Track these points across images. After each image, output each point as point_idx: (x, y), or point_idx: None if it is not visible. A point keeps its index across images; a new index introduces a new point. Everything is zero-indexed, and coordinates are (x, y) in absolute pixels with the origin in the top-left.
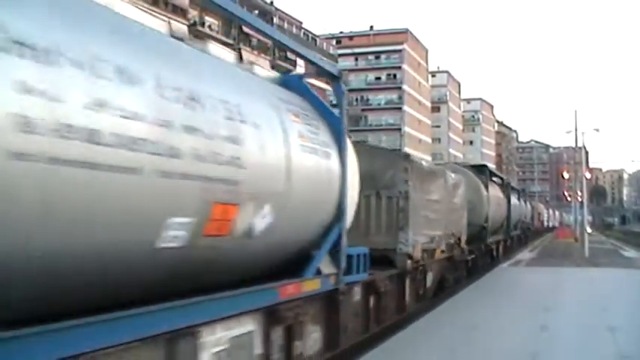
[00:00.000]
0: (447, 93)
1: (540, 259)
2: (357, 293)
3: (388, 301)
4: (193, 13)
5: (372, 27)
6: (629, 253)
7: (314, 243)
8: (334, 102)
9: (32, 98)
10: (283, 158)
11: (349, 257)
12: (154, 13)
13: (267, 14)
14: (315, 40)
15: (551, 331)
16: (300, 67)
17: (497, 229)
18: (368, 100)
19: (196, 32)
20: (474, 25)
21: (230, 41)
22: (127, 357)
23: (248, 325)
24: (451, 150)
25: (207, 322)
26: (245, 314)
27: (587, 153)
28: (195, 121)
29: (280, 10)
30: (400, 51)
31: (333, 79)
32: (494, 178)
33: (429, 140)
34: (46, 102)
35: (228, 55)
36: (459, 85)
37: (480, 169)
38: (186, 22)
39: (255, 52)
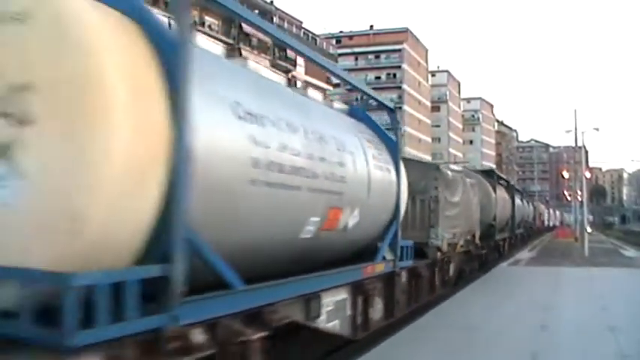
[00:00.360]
0: (447, 92)
1: (540, 258)
2: (404, 276)
3: (424, 284)
4: (193, 13)
5: (371, 26)
6: (629, 252)
7: (379, 236)
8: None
9: (256, 146)
10: (366, 175)
11: (401, 247)
12: (275, 71)
13: (266, 14)
14: (315, 40)
15: (551, 331)
16: (300, 67)
17: (503, 227)
18: (368, 100)
19: (196, 32)
20: (474, 24)
21: (230, 41)
22: (287, 308)
23: (343, 294)
24: (451, 149)
25: (325, 290)
26: (342, 286)
27: (586, 152)
28: (324, 153)
29: (280, 10)
30: (400, 50)
31: (390, 111)
32: (500, 181)
33: (429, 140)
34: (262, 148)
35: (319, 96)
36: (459, 85)
37: (488, 173)
38: None
39: (255, 52)
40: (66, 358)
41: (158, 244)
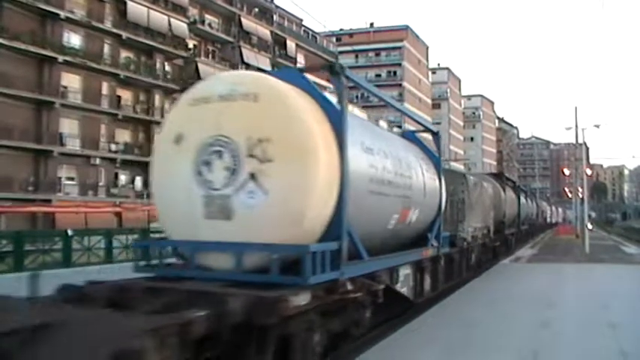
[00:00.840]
0: (448, 90)
1: (541, 255)
2: (443, 259)
3: (455, 267)
4: (193, 12)
5: (372, 24)
6: (630, 249)
7: (428, 228)
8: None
9: (371, 168)
10: (422, 183)
11: (442, 237)
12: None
13: (267, 12)
14: (316, 38)
15: (552, 328)
16: (300, 64)
17: (511, 223)
18: (368, 97)
19: (196, 30)
20: (475, 21)
21: (230, 39)
22: (381, 276)
23: (409, 269)
24: (452, 147)
25: (399, 265)
26: (408, 263)
27: (587, 149)
28: (400, 169)
29: (280, 8)
30: (400, 48)
31: (434, 134)
32: (508, 182)
33: (430, 137)
34: (374, 169)
35: (385, 124)
36: (460, 82)
37: (498, 176)
38: (187, 20)
39: (256, 50)
40: (302, 291)
41: (332, 229)
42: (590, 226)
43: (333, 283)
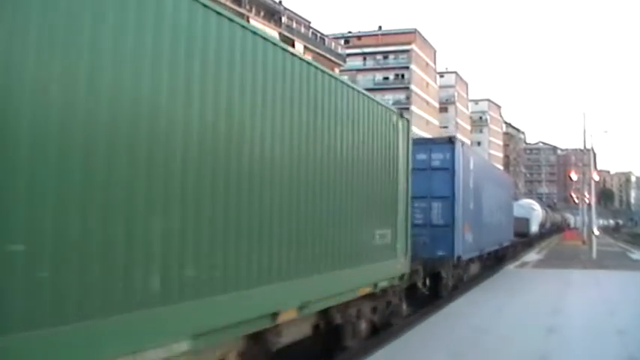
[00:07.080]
0: (455, 93)
1: (547, 260)
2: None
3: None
4: None
5: (380, 27)
6: (637, 255)
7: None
8: None
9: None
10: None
11: None
12: None
13: (275, 14)
14: (324, 40)
15: (560, 334)
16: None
17: (553, 224)
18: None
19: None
20: (483, 25)
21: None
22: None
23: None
24: None
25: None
26: None
27: (595, 155)
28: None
29: (289, 10)
30: (408, 51)
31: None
32: (550, 206)
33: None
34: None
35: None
36: (467, 86)
37: (550, 206)
38: None
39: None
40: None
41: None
42: (597, 232)
43: None
